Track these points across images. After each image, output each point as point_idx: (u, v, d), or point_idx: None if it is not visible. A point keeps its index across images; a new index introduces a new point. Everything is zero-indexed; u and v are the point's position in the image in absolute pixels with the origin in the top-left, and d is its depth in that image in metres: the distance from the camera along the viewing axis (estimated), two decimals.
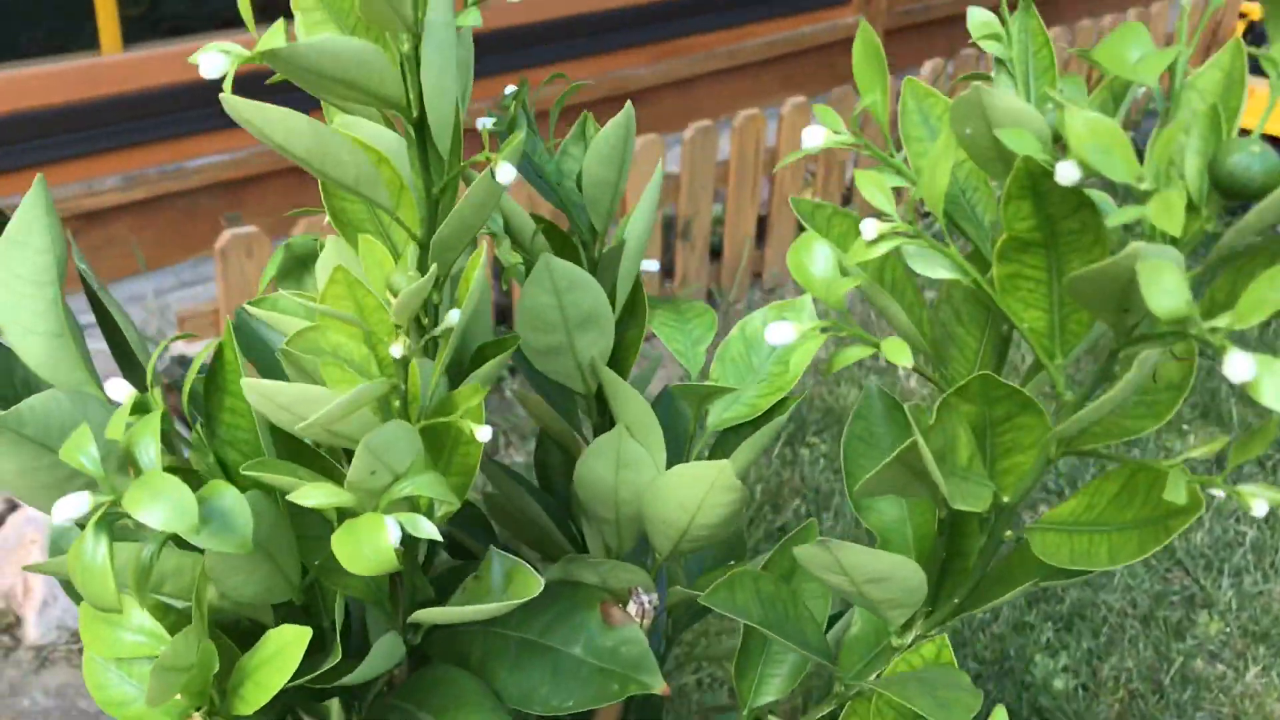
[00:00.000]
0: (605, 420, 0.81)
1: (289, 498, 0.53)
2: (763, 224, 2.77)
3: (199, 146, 2.69)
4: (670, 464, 0.78)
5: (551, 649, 0.72)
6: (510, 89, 0.80)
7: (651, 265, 0.88)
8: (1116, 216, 0.45)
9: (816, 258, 0.57)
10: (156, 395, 0.62)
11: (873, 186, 0.53)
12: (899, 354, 0.55)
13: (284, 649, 0.57)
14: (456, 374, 0.73)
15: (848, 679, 0.71)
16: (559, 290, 0.72)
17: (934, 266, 0.54)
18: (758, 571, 0.71)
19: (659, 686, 0.70)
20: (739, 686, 0.77)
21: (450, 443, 0.63)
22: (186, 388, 0.61)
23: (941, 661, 0.69)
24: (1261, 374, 0.41)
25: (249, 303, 0.67)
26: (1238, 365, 0.41)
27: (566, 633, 0.72)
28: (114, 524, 0.50)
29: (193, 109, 2.66)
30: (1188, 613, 1.95)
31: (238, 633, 0.66)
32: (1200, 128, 0.49)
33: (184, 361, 2.25)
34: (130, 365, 0.74)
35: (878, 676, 0.71)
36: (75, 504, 0.49)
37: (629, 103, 0.70)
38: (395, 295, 0.52)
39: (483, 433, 0.57)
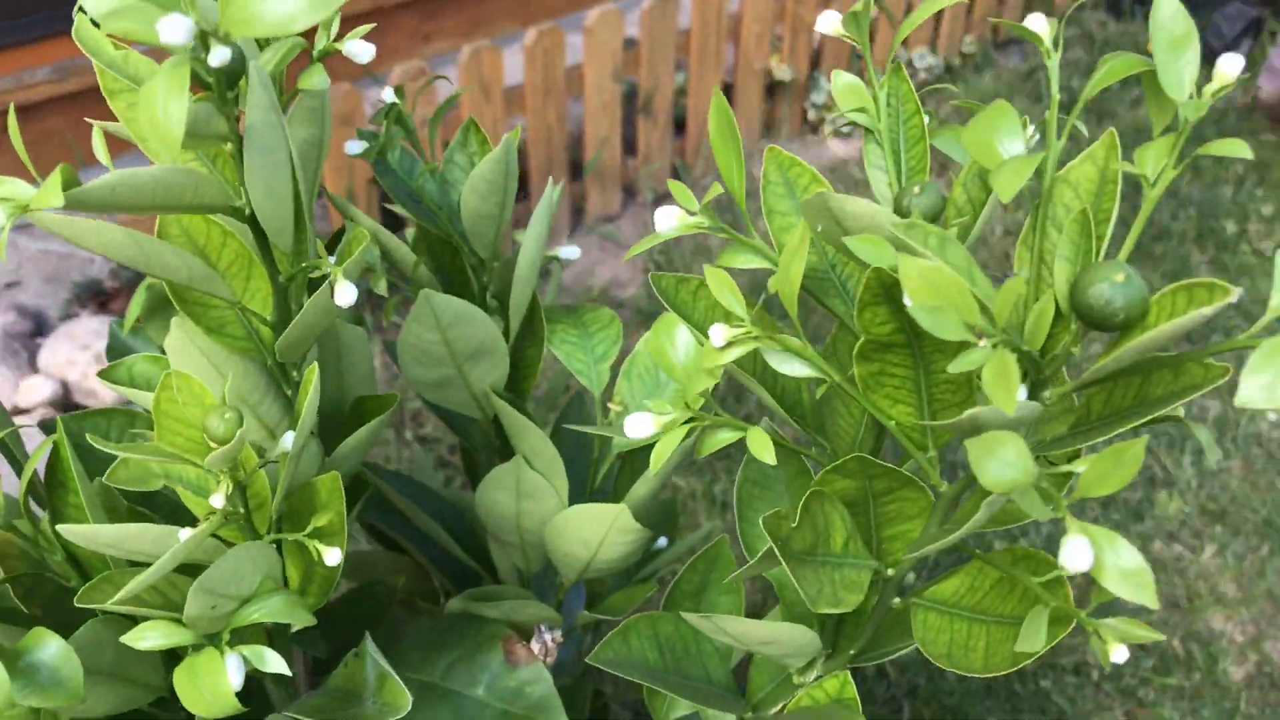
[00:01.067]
0: (507, 444, 0.78)
1: (122, 639, 0.51)
2: (728, 93, 2.67)
3: None
4: (575, 486, 0.77)
5: (453, 692, 0.71)
6: (388, 93, 0.74)
7: (571, 252, 0.83)
8: (958, 364, 0.41)
9: (678, 343, 0.53)
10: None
11: (721, 285, 0.49)
12: (761, 448, 0.53)
13: None
14: (335, 424, 0.70)
15: (748, 714, 0.71)
16: (443, 326, 0.69)
17: (792, 364, 0.51)
18: (656, 614, 0.69)
19: None
20: (651, 704, 0.77)
21: (314, 516, 0.61)
22: (23, 485, 0.58)
23: (844, 697, 0.68)
24: (1102, 556, 0.38)
25: (100, 373, 0.63)
26: (1074, 554, 0.38)
27: (469, 675, 0.71)
28: None
29: None
30: (1147, 493, 1.97)
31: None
32: (1070, 233, 0.45)
33: None
34: None
35: (782, 708, 0.70)
36: None
37: (507, 137, 0.65)
38: (213, 439, 0.49)
39: (331, 556, 0.54)
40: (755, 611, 0.88)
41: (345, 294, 0.52)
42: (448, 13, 2.62)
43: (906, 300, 0.41)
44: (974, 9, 2.99)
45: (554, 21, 2.61)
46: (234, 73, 0.47)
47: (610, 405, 0.77)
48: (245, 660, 0.52)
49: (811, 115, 2.77)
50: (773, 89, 2.70)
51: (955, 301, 0.39)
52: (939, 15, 2.91)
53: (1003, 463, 0.38)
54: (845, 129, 2.76)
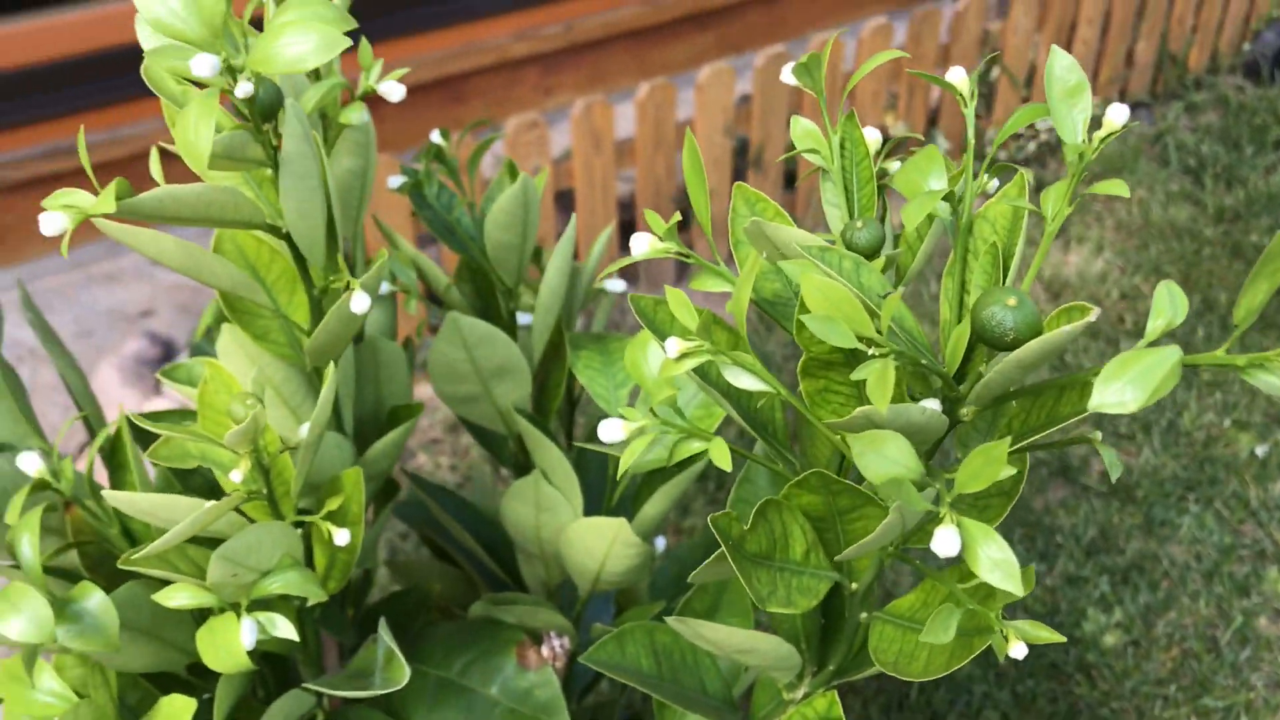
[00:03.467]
0: (530, 459, 0.83)
1: (153, 597, 0.58)
2: None
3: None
4: (592, 505, 0.81)
5: (468, 689, 0.76)
6: (435, 135, 0.81)
7: (617, 285, 0.88)
8: (857, 372, 0.44)
9: (651, 358, 0.58)
10: (66, 467, 0.67)
11: (678, 303, 0.53)
12: (721, 457, 0.56)
13: (173, 717, 0.62)
14: (373, 429, 0.76)
15: None
16: (469, 345, 0.74)
17: (744, 378, 0.54)
18: (652, 624, 0.73)
19: None
20: (661, 717, 0.80)
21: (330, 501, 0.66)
22: (89, 464, 0.65)
23: (831, 716, 0.70)
24: (975, 546, 0.41)
25: (160, 372, 0.71)
26: (942, 542, 0.41)
27: (484, 674, 0.76)
28: None
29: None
30: (1256, 568, 1.89)
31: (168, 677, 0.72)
32: (983, 264, 0.48)
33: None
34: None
35: None
36: None
37: (523, 175, 0.71)
38: (235, 421, 0.55)
39: (340, 536, 0.60)
40: None
41: (359, 302, 0.58)
42: (568, 68, 2.73)
43: (813, 325, 0.44)
44: (1100, 73, 2.95)
45: (670, 77, 2.70)
46: (269, 106, 0.54)
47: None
48: (261, 627, 0.58)
49: None
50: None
51: (847, 314, 0.42)
52: None
53: (884, 458, 0.41)
54: None
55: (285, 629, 0.57)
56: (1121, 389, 0.38)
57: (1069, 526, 1.96)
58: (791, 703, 0.71)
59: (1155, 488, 2.03)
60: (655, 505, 0.77)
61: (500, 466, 0.87)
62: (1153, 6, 2.95)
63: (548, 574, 0.83)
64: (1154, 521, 1.98)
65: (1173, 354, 0.39)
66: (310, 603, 0.63)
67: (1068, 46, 2.88)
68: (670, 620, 0.64)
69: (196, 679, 0.71)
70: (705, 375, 0.57)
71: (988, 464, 0.41)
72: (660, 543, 0.96)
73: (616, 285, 0.87)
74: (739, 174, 2.57)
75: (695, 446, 0.58)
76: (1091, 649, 1.78)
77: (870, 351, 0.43)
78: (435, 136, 0.79)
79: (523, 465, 0.84)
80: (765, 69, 2.45)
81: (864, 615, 0.62)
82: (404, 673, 0.62)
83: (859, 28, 2.57)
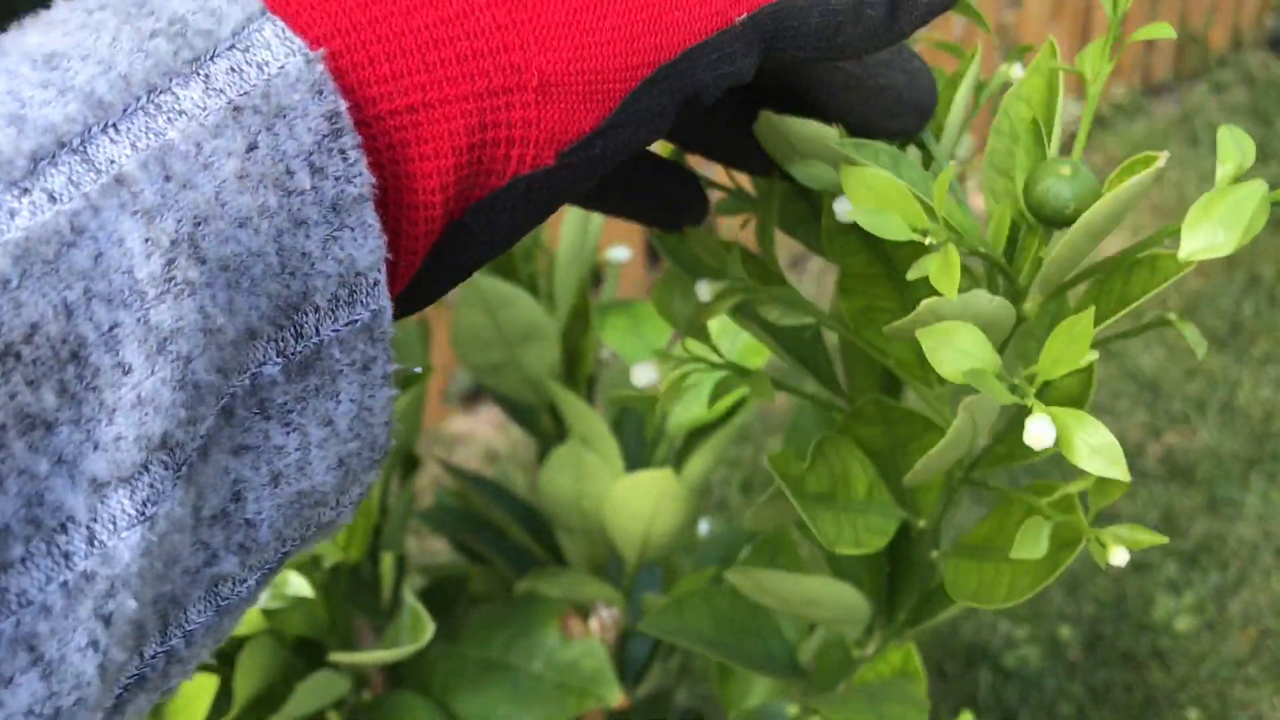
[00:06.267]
0: (565, 431, 0.80)
1: None
2: None
3: None
4: (633, 471, 0.77)
5: (511, 666, 0.72)
6: None
7: (621, 254, 0.84)
8: (914, 271, 0.41)
9: (679, 297, 0.54)
10: None
11: (701, 242, 0.49)
12: (763, 389, 0.52)
13: (193, 698, 0.58)
14: None
15: (809, 697, 0.69)
16: (491, 309, 0.71)
17: (779, 313, 0.50)
18: (711, 589, 0.69)
19: (616, 699, 0.70)
20: (722, 691, 0.76)
21: None
22: None
23: (908, 670, 0.66)
24: (1070, 435, 0.37)
25: None
26: (1036, 431, 0.37)
27: (527, 649, 0.72)
28: None
29: None
30: None
31: None
32: (1024, 143, 0.44)
33: None
34: None
35: (845, 685, 0.68)
36: None
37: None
38: None
39: None
40: None
41: None
42: None
43: (843, 205, 0.40)
44: (1121, 58, 2.91)
45: None
46: None
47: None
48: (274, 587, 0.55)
49: None
50: None
51: (897, 205, 0.39)
52: None
53: (958, 350, 0.37)
54: None
55: (299, 586, 0.54)
56: (1212, 231, 0.35)
57: (1130, 513, 1.90)
58: (862, 660, 0.67)
59: (1216, 467, 1.97)
60: (700, 462, 0.73)
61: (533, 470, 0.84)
62: None
63: (592, 549, 0.79)
64: (1218, 501, 1.91)
65: (1258, 187, 0.35)
66: (329, 564, 0.60)
67: (1084, 33, 2.84)
68: (729, 573, 0.60)
69: (219, 664, 0.67)
70: (744, 312, 0.53)
71: (1071, 342, 0.37)
72: (704, 527, 0.92)
73: (621, 254, 0.83)
74: None
75: (738, 387, 0.54)
76: (1164, 634, 1.71)
77: (927, 241, 0.39)
78: None
79: (555, 436, 0.81)
80: None
81: (934, 554, 0.58)
82: (428, 630, 0.58)
83: None
